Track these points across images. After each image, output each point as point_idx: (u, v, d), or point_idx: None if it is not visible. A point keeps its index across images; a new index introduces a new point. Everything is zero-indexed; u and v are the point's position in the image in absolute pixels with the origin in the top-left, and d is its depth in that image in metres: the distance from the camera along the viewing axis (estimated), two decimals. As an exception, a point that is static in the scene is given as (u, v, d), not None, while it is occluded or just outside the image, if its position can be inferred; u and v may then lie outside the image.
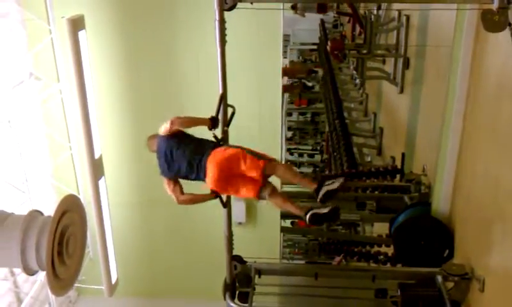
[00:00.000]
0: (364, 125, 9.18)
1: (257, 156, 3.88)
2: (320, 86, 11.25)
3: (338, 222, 7.35)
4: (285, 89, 10.75)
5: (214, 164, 3.83)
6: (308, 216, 3.83)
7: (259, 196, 3.90)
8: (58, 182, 6.49)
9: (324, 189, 3.81)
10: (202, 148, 3.96)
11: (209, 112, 3.89)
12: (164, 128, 4.02)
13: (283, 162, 3.96)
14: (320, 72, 11.86)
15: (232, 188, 3.95)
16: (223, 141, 4.02)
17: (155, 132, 4.13)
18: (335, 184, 3.81)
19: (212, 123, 3.91)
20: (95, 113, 5.51)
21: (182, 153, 3.98)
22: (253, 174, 3.82)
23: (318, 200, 3.84)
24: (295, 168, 4.59)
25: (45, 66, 6.08)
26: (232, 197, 4.33)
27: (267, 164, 3.83)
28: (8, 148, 5.57)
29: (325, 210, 3.81)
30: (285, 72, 10.29)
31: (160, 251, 6.97)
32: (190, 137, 4.10)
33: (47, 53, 6.00)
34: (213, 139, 3.98)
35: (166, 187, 4.13)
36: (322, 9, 10.80)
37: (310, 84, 12.61)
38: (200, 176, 3.95)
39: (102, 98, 6.04)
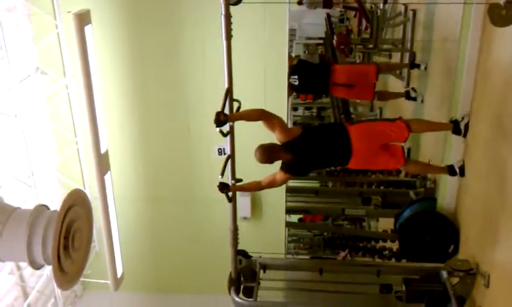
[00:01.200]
0: (469, 121, 9.09)
1: (389, 119, 4.29)
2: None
3: (343, 217, 7.35)
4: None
5: (358, 141, 4.09)
6: (458, 170, 4.38)
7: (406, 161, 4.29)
8: (64, 177, 6.51)
9: (462, 124, 4.32)
10: (335, 133, 4.24)
11: (215, 106, 3.89)
12: (276, 137, 4.13)
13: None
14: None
15: (376, 162, 4.28)
16: (228, 135, 4.02)
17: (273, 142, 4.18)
18: (465, 119, 4.32)
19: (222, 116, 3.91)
20: (101, 108, 5.52)
21: (313, 147, 4.19)
22: (399, 137, 4.15)
23: (462, 135, 4.36)
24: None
25: (52, 60, 6.09)
26: (238, 192, 4.34)
27: (404, 121, 4.17)
28: (14, 142, 5.59)
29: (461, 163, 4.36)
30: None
31: (166, 245, 6.99)
32: (310, 131, 4.35)
33: (54, 47, 6.01)
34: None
35: (280, 176, 4.25)
36: (328, 4, 10.74)
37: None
38: (344, 160, 4.21)
39: (108, 93, 6.05)
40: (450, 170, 4.48)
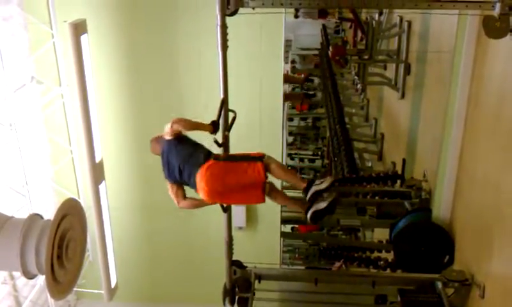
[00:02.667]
0: (365, 130, 9.17)
1: (248, 159, 3.84)
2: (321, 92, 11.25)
3: (338, 227, 7.34)
4: (287, 97, 10.75)
5: (204, 180, 3.76)
6: (309, 215, 3.79)
7: (264, 199, 3.85)
8: (59, 186, 6.49)
9: (312, 189, 3.78)
10: (193, 159, 3.89)
11: (210, 116, 3.89)
12: (166, 130, 3.99)
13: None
14: (316, 80, 11.90)
15: (231, 199, 3.94)
16: (223, 146, 4.01)
17: (159, 134, 4.10)
18: (323, 184, 3.79)
19: (214, 127, 3.91)
20: (96, 117, 5.51)
21: (175, 157, 3.95)
22: (255, 179, 3.77)
23: (307, 200, 3.80)
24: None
25: (47, 69, 6.09)
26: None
27: (264, 162, 3.80)
28: (9, 152, 5.57)
29: (324, 204, 3.77)
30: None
31: (160, 255, 6.96)
32: (187, 142, 4.04)
33: (49, 57, 6.02)
34: (212, 144, 3.95)
35: (170, 190, 4.12)
36: (323, 14, 10.81)
37: (310, 92, 12.66)
38: (191, 186, 3.92)
39: (104, 103, 6.05)
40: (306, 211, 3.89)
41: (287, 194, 4.18)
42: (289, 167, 10.27)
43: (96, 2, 5.86)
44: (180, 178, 3.98)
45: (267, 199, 3.88)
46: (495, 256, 3.82)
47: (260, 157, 3.86)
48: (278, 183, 4.42)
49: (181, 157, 3.94)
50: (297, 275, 4.95)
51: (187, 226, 6.68)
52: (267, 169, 3.82)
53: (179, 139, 4.02)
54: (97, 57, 5.75)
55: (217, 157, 3.89)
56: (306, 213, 3.84)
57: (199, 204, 4.12)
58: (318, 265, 7.45)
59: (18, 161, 5.60)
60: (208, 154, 3.90)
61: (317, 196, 3.77)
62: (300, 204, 3.99)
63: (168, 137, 4.01)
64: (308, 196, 3.78)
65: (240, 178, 3.80)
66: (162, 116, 6.29)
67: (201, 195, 3.86)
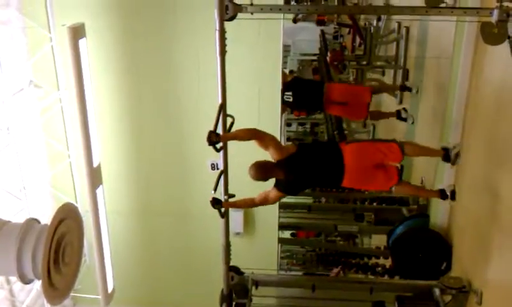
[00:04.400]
0: (363, 136, 9.17)
1: (384, 140, 4.30)
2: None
3: (336, 233, 7.34)
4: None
5: (352, 160, 4.08)
6: (449, 194, 4.38)
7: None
8: (56, 190, 6.47)
9: (453, 152, 4.30)
10: (330, 150, 4.24)
11: (209, 120, 3.88)
12: (273, 154, 4.08)
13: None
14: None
15: (370, 182, 4.31)
16: (221, 151, 4.01)
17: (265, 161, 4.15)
18: (456, 148, 4.32)
19: (214, 135, 3.88)
20: (94, 121, 5.50)
21: (305, 168, 4.16)
22: (393, 159, 4.17)
23: (451, 163, 4.35)
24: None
25: (45, 73, 6.07)
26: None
27: (399, 144, 4.21)
28: (6, 156, 5.56)
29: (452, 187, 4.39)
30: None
31: (158, 260, 6.94)
32: (309, 146, 4.53)
33: (47, 61, 6.00)
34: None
35: (272, 193, 4.22)
36: (320, 23, 10.84)
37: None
38: (337, 179, 4.17)
39: (102, 107, 6.04)
40: (442, 194, 4.47)
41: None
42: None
43: (94, 7, 5.85)
44: (324, 179, 4.28)
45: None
46: (492, 263, 3.81)
47: (391, 140, 4.27)
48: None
49: (314, 159, 4.16)
50: (295, 282, 4.95)
51: (185, 231, 6.67)
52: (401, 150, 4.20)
53: (294, 154, 4.11)
54: (95, 61, 5.74)
55: (346, 141, 4.29)
56: (444, 194, 4.43)
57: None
58: (316, 271, 7.44)
59: (15, 165, 5.58)
60: (335, 141, 4.15)
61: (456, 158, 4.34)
62: (433, 192, 4.68)
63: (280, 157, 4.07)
64: (452, 157, 4.32)
65: (378, 156, 4.15)
66: (160, 120, 6.30)
67: (349, 180, 4.11)
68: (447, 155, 4.36)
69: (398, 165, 4.29)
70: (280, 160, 4.05)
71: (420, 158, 6.06)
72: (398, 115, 6.25)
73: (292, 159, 4.06)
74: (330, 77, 8.70)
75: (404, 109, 6.16)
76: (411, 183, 4.73)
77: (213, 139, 3.77)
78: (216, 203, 3.99)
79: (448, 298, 4.17)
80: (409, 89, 6.17)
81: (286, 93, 5.85)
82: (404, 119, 6.22)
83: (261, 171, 4.03)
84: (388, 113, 6.57)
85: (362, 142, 4.45)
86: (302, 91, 5.92)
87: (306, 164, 4.11)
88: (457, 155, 4.34)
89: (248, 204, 4.31)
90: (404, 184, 4.41)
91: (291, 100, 5.86)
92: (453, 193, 4.38)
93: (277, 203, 6.19)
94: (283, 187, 4.14)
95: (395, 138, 4.31)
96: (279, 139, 6.29)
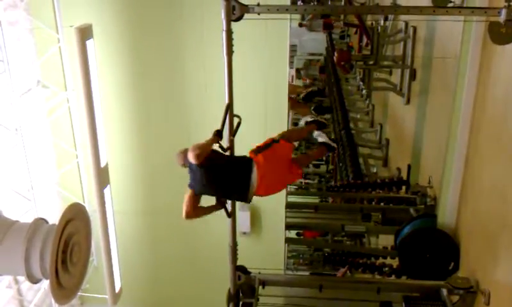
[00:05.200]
0: (370, 135, 9.16)
1: (270, 143, 4.14)
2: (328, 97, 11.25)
3: (343, 233, 7.32)
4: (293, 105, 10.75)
5: (262, 172, 3.96)
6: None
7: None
8: (64, 190, 6.50)
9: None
10: (240, 165, 4.01)
11: (215, 120, 3.89)
12: (191, 159, 3.92)
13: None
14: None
15: (280, 183, 4.25)
16: (228, 151, 4.02)
17: (185, 148, 4.08)
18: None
19: (218, 136, 3.91)
20: (102, 122, 5.52)
21: (220, 177, 4.02)
22: (290, 153, 4.22)
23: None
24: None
25: (53, 74, 6.11)
26: (237, 207, 4.32)
27: (283, 138, 4.18)
28: (14, 156, 5.59)
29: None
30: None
31: (164, 260, 6.96)
32: (221, 158, 4.06)
33: (55, 61, 6.04)
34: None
35: (188, 198, 4.10)
36: (328, 26, 10.83)
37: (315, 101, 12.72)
38: (244, 194, 4.00)
39: (109, 107, 6.07)
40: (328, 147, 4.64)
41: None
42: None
43: (102, 8, 5.88)
44: (232, 192, 4.08)
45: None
46: (500, 263, 3.79)
47: (275, 140, 4.19)
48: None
49: (228, 172, 4.01)
50: (302, 281, 4.94)
51: (192, 231, 6.68)
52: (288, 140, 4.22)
53: (210, 160, 3.98)
54: (103, 62, 5.77)
55: (253, 151, 4.08)
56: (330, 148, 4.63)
57: (207, 210, 4.14)
58: (322, 271, 7.44)
59: (23, 165, 5.61)
60: (244, 157, 4.05)
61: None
62: (319, 151, 4.75)
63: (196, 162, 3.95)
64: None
65: (283, 157, 4.15)
66: (167, 120, 6.32)
67: (263, 189, 4.03)
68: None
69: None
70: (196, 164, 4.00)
71: (427, 157, 6.04)
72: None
73: (202, 166, 3.98)
74: (337, 77, 8.71)
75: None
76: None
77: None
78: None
79: (455, 298, 4.15)
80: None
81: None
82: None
83: (178, 156, 4.11)
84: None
85: (268, 150, 4.14)
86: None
87: (210, 176, 4.01)
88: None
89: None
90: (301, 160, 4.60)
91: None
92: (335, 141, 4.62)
93: (283, 203, 6.21)
94: (189, 179, 4.12)
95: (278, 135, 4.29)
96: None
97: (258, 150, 4.06)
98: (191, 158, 3.91)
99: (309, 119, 4.85)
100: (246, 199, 4.02)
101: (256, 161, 3.99)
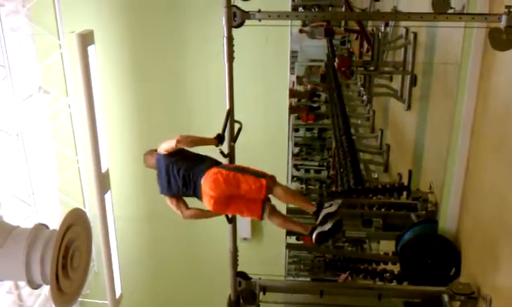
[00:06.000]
0: (371, 141, 9.16)
1: (256, 174, 3.84)
2: (327, 105, 11.28)
3: (344, 239, 7.31)
4: (292, 110, 10.76)
5: (209, 186, 3.79)
6: (314, 237, 3.85)
7: (262, 217, 3.91)
8: (65, 196, 6.51)
9: (323, 212, 3.85)
10: (197, 167, 3.92)
11: (217, 126, 3.90)
12: (167, 146, 3.96)
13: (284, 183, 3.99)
14: (324, 95, 11.92)
15: (232, 209, 3.94)
16: (229, 157, 4.02)
17: (153, 148, 4.10)
18: (333, 207, 3.86)
19: (218, 140, 3.92)
20: (103, 127, 5.53)
21: (177, 171, 3.95)
22: (255, 195, 3.80)
23: (317, 223, 3.86)
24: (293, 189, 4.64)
25: (54, 80, 6.13)
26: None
27: (268, 182, 3.82)
28: (15, 161, 5.60)
29: (329, 226, 3.82)
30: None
31: (165, 266, 6.96)
32: (188, 153, 4.04)
33: (56, 67, 6.06)
34: (217, 154, 3.97)
35: (170, 204, 4.10)
36: (329, 33, 10.85)
37: (315, 104, 12.72)
38: (196, 195, 3.94)
39: (110, 113, 6.08)
40: (311, 233, 3.93)
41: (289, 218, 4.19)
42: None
43: (103, 14, 5.90)
44: (185, 189, 3.98)
45: (266, 219, 3.92)
46: (501, 269, 3.79)
47: (264, 175, 3.85)
48: (283, 207, 4.40)
49: (186, 166, 3.95)
50: (303, 287, 4.93)
51: (192, 236, 6.68)
52: (270, 190, 3.83)
53: (179, 152, 4.00)
54: (104, 67, 5.79)
55: (225, 166, 3.91)
56: (310, 235, 3.88)
57: (203, 214, 4.12)
58: (323, 276, 7.42)
59: (24, 171, 5.62)
60: (215, 163, 3.92)
61: (327, 218, 3.81)
62: (302, 227, 4.03)
63: (165, 152, 3.97)
64: (320, 218, 3.82)
65: (242, 190, 3.82)
66: (168, 125, 6.33)
67: (206, 202, 3.88)
68: (318, 211, 3.90)
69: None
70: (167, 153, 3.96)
71: (428, 163, 6.05)
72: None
73: (169, 155, 3.97)
74: (338, 83, 8.72)
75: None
76: (281, 215, 4.13)
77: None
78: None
79: (457, 304, 4.14)
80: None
81: None
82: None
83: (146, 156, 4.13)
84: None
85: (232, 172, 3.85)
86: None
87: (178, 166, 3.96)
88: (329, 216, 3.80)
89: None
90: (274, 217, 4.03)
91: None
92: (320, 235, 3.85)
93: (285, 208, 6.20)
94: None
95: (272, 176, 3.90)
96: (287, 144, 6.32)
97: (225, 166, 3.89)
98: (175, 141, 3.86)
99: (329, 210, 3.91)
100: (200, 197, 3.91)
101: (212, 172, 3.83)
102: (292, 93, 12.61)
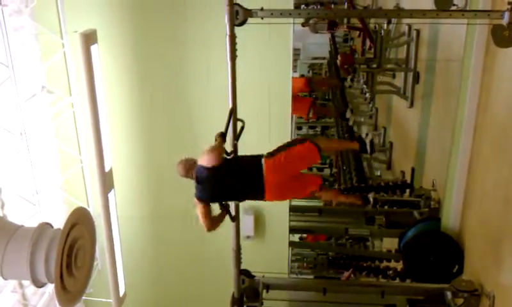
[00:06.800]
0: (374, 139, 9.15)
1: (296, 142, 4.15)
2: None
3: (347, 237, 7.33)
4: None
5: (272, 175, 3.93)
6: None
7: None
8: (68, 195, 6.52)
9: (367, 141, 4.43)
10: (251, 166, 4.01)
11: (220, 124, 3.91)
12: (207, 162, 3.95)
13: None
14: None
15: (295, 190, 4.15)
16: (232, 155, 4.03)
17: (192, 159, 4.09)
18: (369, 136, 4.50)
19: (222, 139, 3.93)
20: (106, 126, 5.54)
21: (230, 177, 3.99)
22: (312, 159, 4.12)
23: (369, 153, 4.50)
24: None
25: (58, 79, 6.14)
26: (241, 211, 4.33)
27: (317, 145, 4.06)
28: (19, 160, 5.62)
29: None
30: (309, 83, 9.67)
31: (168, 264, 6.97)
32: (231, 160, 4.06)
33: (60, 67, 6.07)
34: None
35: (202, 212, 4.07)
36: (332, 25, 10.83)
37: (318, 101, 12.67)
38: (259, 191, 3.99)
39: (113, 112, 6.09)
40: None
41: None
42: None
43: (106, 13, 5.91)
44: (241, 193, 4.07)
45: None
46: (504, 266, 3.79)
47: (304, 140, 4.16)
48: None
49: (238, 173, 4.01)
50: (306, 285, 4.95)
51: (196, 235, 6.67)
52: (318, 147, 4.09)
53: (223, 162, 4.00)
54: (107, 67, 5.79)
55: (272, 153, 4.04)
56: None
57: (219, 219, 4.15)
58: (327, 274, 7.43)
59: (28, 170, 5.64)
60: (258, 156, 4.03)
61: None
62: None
63: (209, 165, 3.95)
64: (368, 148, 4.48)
65: (299, 164, 4.08)
66: (171, 124, 6.34)
67: (273, 192, 3.98)
68: (363, 146, 4.40)
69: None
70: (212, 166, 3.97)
71: (431, 160, 6.04)
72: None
73: (216, 170, 3.96)
74: (341, 80, 8.72)
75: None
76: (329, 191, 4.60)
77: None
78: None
79: (460, 301, 4.15)
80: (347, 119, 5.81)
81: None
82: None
83: (182, 167, 4.09)
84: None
85: (281, 153, 4.05)
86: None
87: (224, 179, 3.99)
88: (372, 143, 4.36)
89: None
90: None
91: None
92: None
93: (287, 206, 6.22)
94: (196, 193, 4.06)
95: (308, 138, 4.28)
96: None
97: (272, 153, 4.05)
98: (211, 160, 3.90)
99: None
100: (263, 196, 4.01)
101: (266, 162, 3.97)
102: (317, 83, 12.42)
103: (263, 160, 3.97)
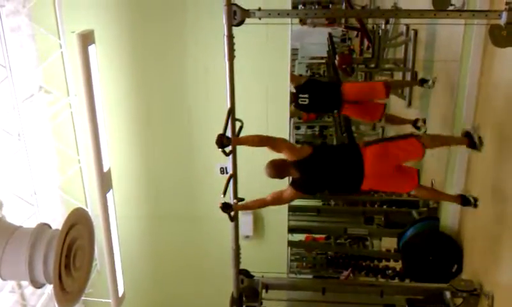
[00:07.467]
0: (372, 138, 9.16)
1: (400, 137, 4.18)
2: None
3: (346, 236, 7.32)
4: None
5: (372, 165, 3.99)
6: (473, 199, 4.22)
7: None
8: (67, 195, 6.51)
9: (475, 137, 4.23)
10: (347, 156, 4.13)
11: (218, 125, 3.90)
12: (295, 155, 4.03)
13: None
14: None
15: (393, 180, 4.15)
16: (230, 154, 4.03)
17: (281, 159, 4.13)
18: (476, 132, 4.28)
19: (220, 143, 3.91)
20: (104, 127, 5.54)
21: (323, 168, 4.09)
22: (414, 155, 4.13)
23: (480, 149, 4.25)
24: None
25: (55, 80, 6.12)
26: (240, 210, 4.33)
27: (417, 138, 4.11)
28: (17, 161, 5.61)
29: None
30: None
31: (167, 264, 6.96)
32: (323, 150, 4.31)
33: (57, 67, 6.06)
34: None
35: (287, 195, 4.16)
36: (331, 21, 10.85)
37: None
38: (358, 180, 4.06)
39: (111, 112, 6.08)
40: (463, 199, 4.29)
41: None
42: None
43: (104, 13, 5.90)
44: (338, 182, 4.16)
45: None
46: (503, 266, 3.80)
47: (411, 134, 4.20)
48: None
49: (332, 162, 4.10)
50: (305, 285, 4.95)
51: (195, 235, 6.68)
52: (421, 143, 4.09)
53: (310, 155, 4.06)
54: (105, 67, 5.78)
55: (371, 142, 4.14)
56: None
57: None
58: (326, 274, 7.43)
59: (26, 171, 5.63)
60: (355, 144, 4.18)
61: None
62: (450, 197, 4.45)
63: (295, 158, 4.03)
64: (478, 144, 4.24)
65: (400, 156, 4.08)
66: (169, 124, 6.33)
67: (368, 180, 4.02)
68: (472, 141, 4.25)
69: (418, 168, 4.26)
70: (295, 161, 4.03)
71: (430, 160, 6.04)
72: (414, 123, 5.77)
73: (309, 160, 4.02)
74: (339, 80, 8.72)
75: (423, 120, 5.83)
76: (431, 188, 4.65)
77: (224, 142, 3.77)
78: (225, 207, 3.99)
79: (459, 301, 4.16)
80: (427, 81, 5.84)
81: (301, 96, 5.62)
82: (418, 128, 5.84)
83: (277, 169, 4.04)
84: (404, 119, 6.19)
85: (382, 144, 4.19)
86: (319, 92, 5.71)
87: (322, 167, 4.06)
88: (480, 138, 4.22)
89: (259, 204, 4.22)
90: (424, 188, 4.36)
91: (307, 102, 5.66)
92: (475, 200, 4.22)
93: (286, 206, 6.21)
94: (299, 187, 4.10)
95: (412, 133, 4.27)
96: (288, 143, 6.31)
97: (370, 142, 4.14)
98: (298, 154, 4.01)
99: None
100: (361, 183, 4.06)
101: (364, 152, 4.03)
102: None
103: (361, 150, 4.06)
